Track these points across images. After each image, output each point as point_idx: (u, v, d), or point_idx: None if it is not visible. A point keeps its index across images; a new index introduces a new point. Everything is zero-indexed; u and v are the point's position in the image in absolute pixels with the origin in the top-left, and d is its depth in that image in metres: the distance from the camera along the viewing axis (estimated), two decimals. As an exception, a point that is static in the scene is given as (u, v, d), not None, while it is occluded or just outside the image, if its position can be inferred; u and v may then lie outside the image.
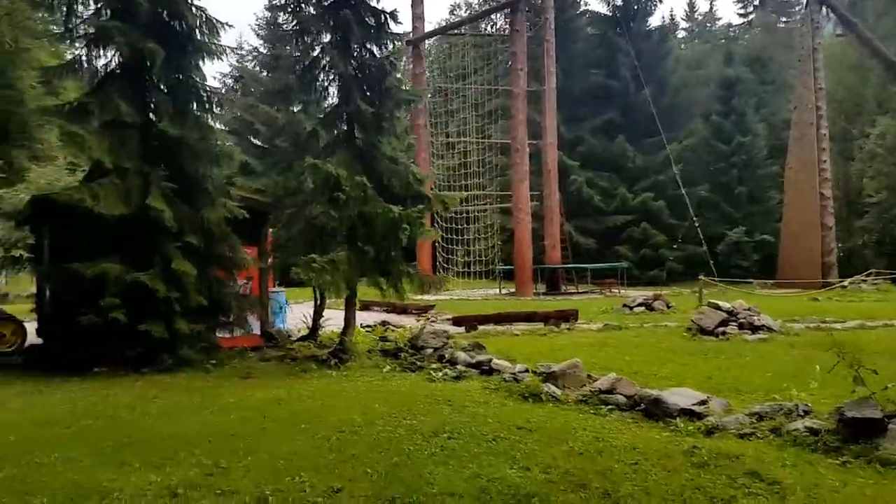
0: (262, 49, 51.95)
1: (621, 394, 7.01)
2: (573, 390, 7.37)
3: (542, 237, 31.66)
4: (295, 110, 11.29)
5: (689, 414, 6.20)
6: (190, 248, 10.13)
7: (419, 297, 21.69)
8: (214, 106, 10.78)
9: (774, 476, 4.64)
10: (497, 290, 31.28)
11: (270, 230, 12.97)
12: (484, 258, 34.43)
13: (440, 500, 4.35)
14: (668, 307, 18.27)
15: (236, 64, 51.25)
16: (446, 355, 9.44)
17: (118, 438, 5.92)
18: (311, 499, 4.41)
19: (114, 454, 5.47)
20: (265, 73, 50.90)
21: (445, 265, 35.49)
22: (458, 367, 8.89)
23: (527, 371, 7.95)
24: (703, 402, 6.43)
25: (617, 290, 29.56)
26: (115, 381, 8.95)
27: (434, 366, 9.10)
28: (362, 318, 14.92)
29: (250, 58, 52.74)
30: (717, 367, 9.36)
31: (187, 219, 10.09)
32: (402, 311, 19.11)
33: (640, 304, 18.16)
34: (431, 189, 11.29)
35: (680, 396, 6.55)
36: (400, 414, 6.56)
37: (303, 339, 12.12)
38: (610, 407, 6.80)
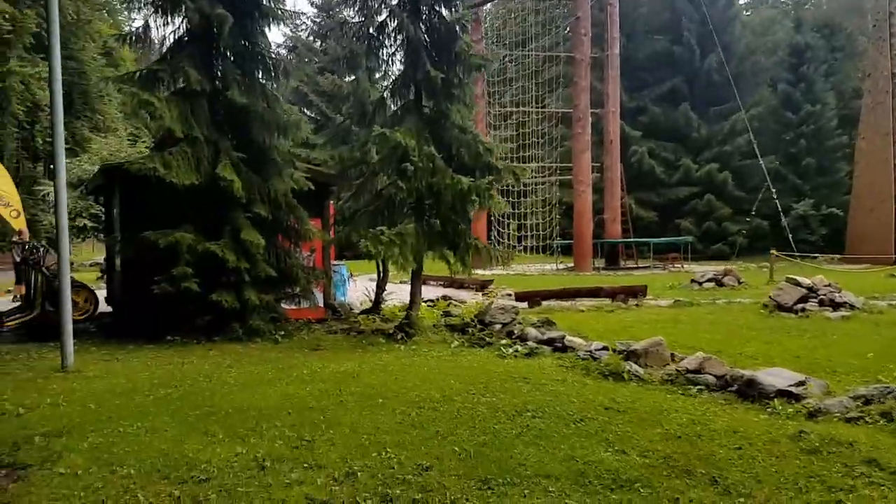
0: (315, 17, 51.92)
1: (710, 373, 6.67)
2: (656, 369, 7.06)
3: (602, 210, 30.96)
4: (358, 78, 11.00)
5: (786, 395, 5.84)
6: (258, 219, 10.11)
7: (475, 271, 21.50)
8: (280, 74, 10.65)
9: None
10: (554, 266, 30.82)
11: (332, 202, 12.92)
12: (539, 232, 33.90)
13: (535, 482, 4.15)
14: (739, 283, 17.61)
15: (290, 33, 51.38)
16: (516, 331, 9.21)
17: (200, 408, 5.90)
18: (400, 475, 4.26)
19: (197, 424, 5.45)
20: (319, 43, 50.87)
21: (500, 239, 35.13)
22: (529, 343, 8.66)
23: (605, 349, 7.66)
24: (801, 384, 6.05)
25: (680, 266, 28.76)
26: (189, 350, 9.04)
27: (504, 342, 8.88)
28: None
29: (304, 27, 52.82)
30: (803, 346, 8.89)
31: (255, 189, 10.05)
32: (460, 285, 18.93)
33: (709, 280, 17.54)
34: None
35: (775, 377, 6.18)
36: (477, 391, 6.38)
37: (365, 312, 12.06)
38: (699, 387, 6.48)
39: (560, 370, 7.36)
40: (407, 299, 12.63)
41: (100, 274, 24.14)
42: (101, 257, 36.65)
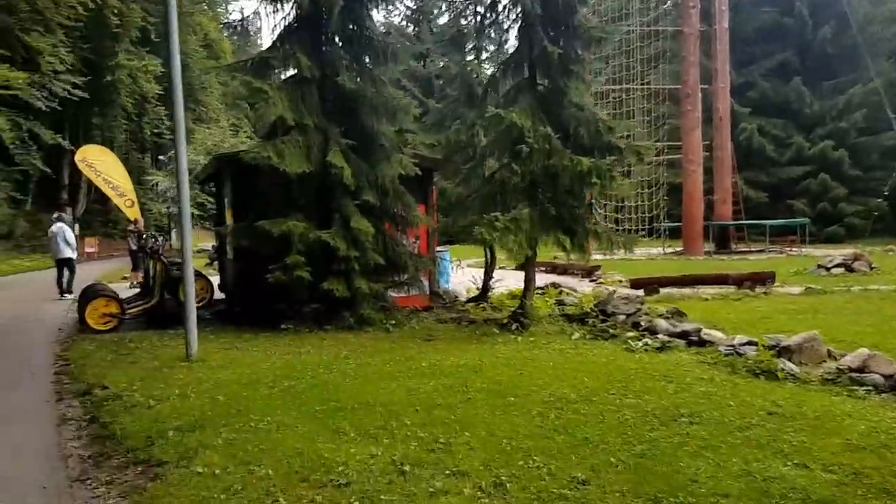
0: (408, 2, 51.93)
1: (877, 372, 5.93)
2: (813, 367, 6.35)
3: (711, 191, 29.38)
4: (465, 59, 10.63)
5: (982, 403, 5.07)
6: (366, 206, 9.93)
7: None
8: (388, 58, 10.39)
9: None
10: (661, 250, 29.55)
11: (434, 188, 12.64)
12: (639, 215, 32.58)
13: (713, 501, 3.65)
14: (871, 268, 16.18)
15: (382, 19, 51.69)
16: (642, 323, 8.62)
17: (326, 403, 5.71)
18: (555, 489, 3.86)
19: (327, 420, 5.24)
20: (411, 28, 50.89)
21: (596, 222, 33.94)
22: (660, 336, 8.06)
23: (750, 344, 6.98)
24: None
25: (798, 250, 26.94)
26: (303, 339, 8.97)
27: (630, 334, 8.31)
28: (516, 277, 14.30)
29: (396, 12, 52.97)
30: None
31: (364, 176, 9.86)
32: (563, 271, 18.30)
33: (837, 265, 16.20)
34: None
35: (964, 381, 5.40)
36: (616, 390, 5.89)
37: (473, 300, 11.72)
38: (866, 388, 5.76)
39: (702, 367, 6.74)
40: (514, 286, 12.27)
41: (208, 261, 25.00)
42: (204, 244, 38.26)
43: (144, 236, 12.24)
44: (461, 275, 14.32)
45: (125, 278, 19.15)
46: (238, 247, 11.48)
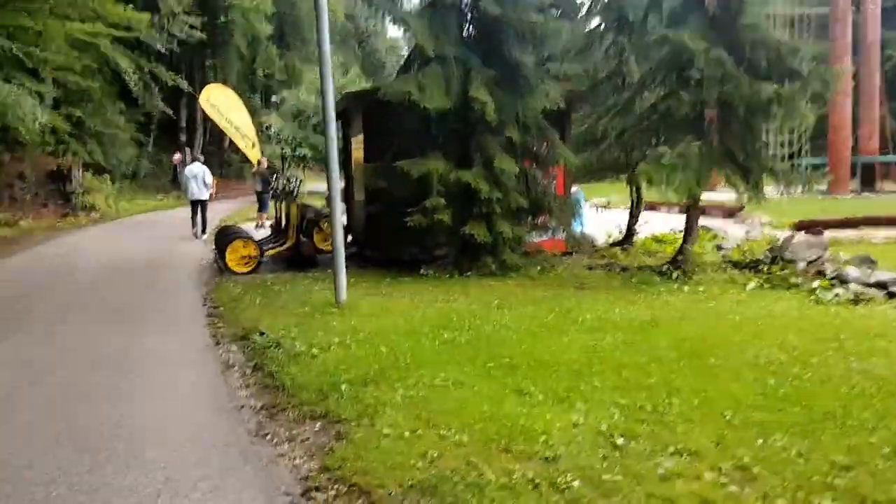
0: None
1: None
2: None
3: (856, 125, 26.66)
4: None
5: None
6: (509, 144, 9.29)
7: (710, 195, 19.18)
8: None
9: None
10: (800, 189, 27.13)
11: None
12: (781, 151, 30.00)
13: None
14: None
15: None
16: (828, 271, 7.65)
17: (495, 359, 5.24)
18: (815, 476, 3.22)
19: (505, 379, 4.78)
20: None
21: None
22: (851, 286, 7.10)
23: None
24: None
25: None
26: (446, 286, 8.57)
27: (817, 284, 7.38)
28: (653, 219, 13.34)
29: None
30: None
31: (508, 111, 9.16)
32: (703, 211, 17.05)
33: None
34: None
35: None
36: (831, 350, 5.12)
37: (618, 244, 10.96)
38: None
39: (921, 325, 5.83)
40: (656, 230, 11.40)
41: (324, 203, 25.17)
42: (316, 185, 38.81)
43: (277, 177, 12.12)
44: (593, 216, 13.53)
45: (250, 218, 19.54)
46: (369, 188, 11.19)
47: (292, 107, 34.36)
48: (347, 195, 13.79)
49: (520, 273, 9.07)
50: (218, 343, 6.51)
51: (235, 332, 6.72)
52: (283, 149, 33.70)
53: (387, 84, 9.05)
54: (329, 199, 7.43)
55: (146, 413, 4.56)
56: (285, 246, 10.86)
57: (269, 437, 4.19)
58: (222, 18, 34.61)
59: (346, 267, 10.65)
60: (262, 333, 6.37)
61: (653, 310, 6.81)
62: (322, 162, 34.18)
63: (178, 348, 6.36)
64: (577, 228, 12.28)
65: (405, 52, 72.81)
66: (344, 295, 7.36)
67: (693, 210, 8.98)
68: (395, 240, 10.42)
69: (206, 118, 40.21)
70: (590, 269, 9.37)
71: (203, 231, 16.09)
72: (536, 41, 9.20)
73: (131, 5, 23.15)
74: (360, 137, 11.76)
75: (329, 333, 6.21)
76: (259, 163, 18.23)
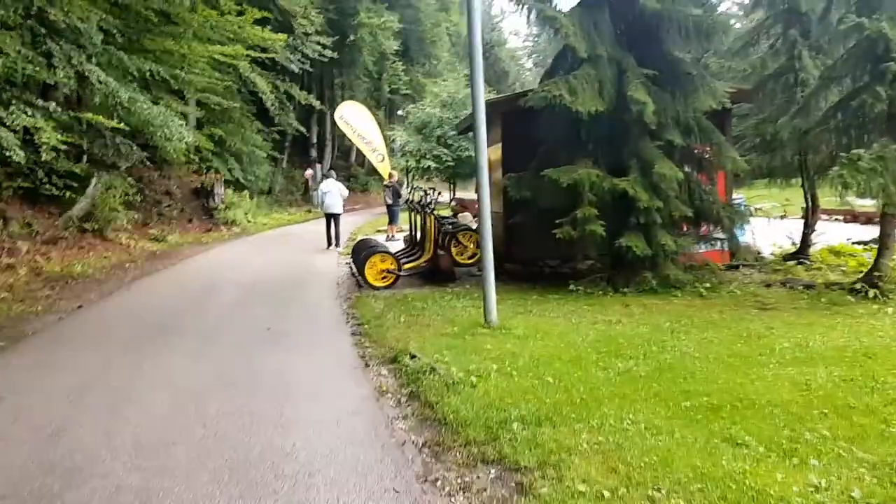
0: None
1: None
2: None
3: None
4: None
5: None
6: (668, 148, 8.46)
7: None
8: (695, -33, 8.67)
9: None
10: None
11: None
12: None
13: None
14: None
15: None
16: None
17: (690, 396, 4.51)
18: None
19: (710, 424, 4.04)
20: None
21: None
22: None
23: None
24: None
25: None
26: (602, 304, 7.85)
27: None
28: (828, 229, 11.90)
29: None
30: None
31: (668, 112, 8.34)
32: (867, 220, 15.28)
33: None
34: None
35: None
36: None
37: (791, 257, 9.77)
38: None
39: None
40: (830, 240, 10.10)
41: (451, 213, 24.98)
42: (444, 197, 38.85)
43: (412, 189, 11.87)
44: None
45: (380, 231, 19.60)
46: (508, 199, 10.67)
47: (417, 119, 34.71)
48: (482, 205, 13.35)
49: (685, 290, 8.19)
50: (367, 365, 6.14)
51: (384, 354, 6.34)
52: (407, 161, 34.03)
53: (536, 89, 8.47)
54: (478, 211, 6.93)
55: (310, 446, 4.20)
56: (422, 260, 10.52)
57: (439, 483, 3.69)
58: (351, 37, 35.49)
59: (477, 280, 10.24)
60: (413, 356, 5.93)
61: (859, 337, 5.79)
62: (445, 173, 34.37)
63: (330, 370, 6.04)
64: (740, 238, 11.23)
65: (526, 62, 72.11)
66: (494, 314, 6.82)
67: (889, 219, 7.74)
68: (536, 253, 9.87)
69: (335, 134, 41.76)
70: (767, 286, 8.31)
71: (337, 243, 16.37)
72: (702, 36, 8.30)
73: (269, 27, 24.12)
74: (498, 147, 11.28)
75: (485, 358, 5.69)
76: (390, 175, 18.20)
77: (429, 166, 33.23)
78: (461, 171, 34.11)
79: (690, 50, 8.68)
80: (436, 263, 10.21)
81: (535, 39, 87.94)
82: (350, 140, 44.55)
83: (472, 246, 10.66)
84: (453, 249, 10.55)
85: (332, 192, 16.53)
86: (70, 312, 8.79)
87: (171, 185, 22.30)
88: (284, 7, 28.11)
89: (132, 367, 6.12)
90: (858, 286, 7.48)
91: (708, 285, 8.20)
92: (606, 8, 8.51)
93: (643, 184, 8.15)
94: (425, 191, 10.95)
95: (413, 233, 11.84)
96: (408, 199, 11.81)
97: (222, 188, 23.25)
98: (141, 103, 16.95)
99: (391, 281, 10.09)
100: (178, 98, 22.06)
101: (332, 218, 16.51)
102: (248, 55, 22.69)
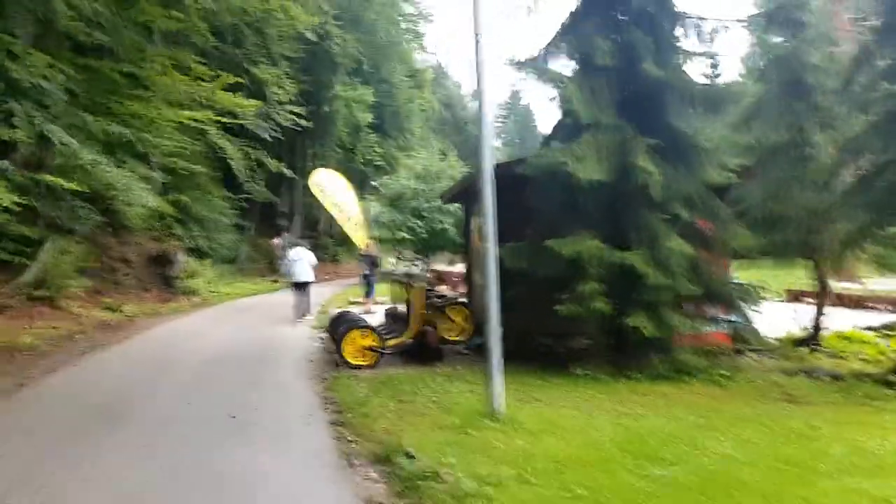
0: None
1: None
2: None
3: None
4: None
5: None
6: (673, 222, 7.91)
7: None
8: (702, 36, 8.29)
9: None
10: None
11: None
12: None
13: None
14: None
15: None
16: None
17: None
18: None
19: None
20: None
21: None
22: None
23: None
24: None
25: None
26: (612, 390, 7.07)
27: None
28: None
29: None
30: None
31: (672, 184, 7.82)
32: (857, 304, 14.84)
33: None
34: None
35: None
36: None
37: (803, 343, 9.15)
38: None
39: None
40: (833, 325, 9.55)
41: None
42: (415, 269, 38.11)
43: (397, 262, 11.13)
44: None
45: (354, 302, 18.65)
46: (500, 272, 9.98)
47: (391, 191, 34.29)
48: (468, 279, 12.65)
49: (700, 377, 7.46)
50: (351, 465, 5.20)
51: (372, 451, 5.41)
52: (381, 232, 33.32)
53: (538, 154, 7.87)
54: (485, 284, 6.17)
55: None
56: (407, 336, 9.66)
57: None
58: (326, 108, 35.32)
59: (478, 360, 9.40)
60: (409, 455, 5.03)
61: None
62: (419, 244, 33.71)
63: (307, 471, 5.10)
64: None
65: (504, 136, 72.60)
66: (501, 403, 5.97)
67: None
68: (529, 329, 9.09)
69: (304, 203, 41.07)
70: (789, 375, 7.62)
71: (307, 313, 15.74)
72: (709, 106, 7.89)
73: (241, 93, 23.68)
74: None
75: (496, 460, 4.82)
76: (366, 245, 17.49)
77: (403, 238, 32.62)
78: (435, 243, 33.60)
79: (694, 121, 8.23)
80: (423, 340, 9.35)
81: (504, 121, 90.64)
82: (320, 209, 44.33)
83: (461, 321, 9.84)
84: (441, 325, 9.70)
85: (302, 260, 16.01)
86: (7, 393, 7.67)
87: (129, 251, 21.16)
88: (258, 75, 27.85)
89: (68, 465, 5.09)
90: (894, 378, 6.84)
91: (724, 372, 7.49)
92: (607, 74, 8.07)
93: (649, 258, 7.53)
94: (412, 261, 10.19)
95: (396, 306, 11.01)
96: (388, 270, 11.03)
97: (183, 256, 22.16)
98: (104, 166, 16.12)
99: (373, 360, 9.18)
100: (143, 162, 21.26)
101: (301, 287, 15.88)
102: (218, 120, 22.12)
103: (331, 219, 44.64)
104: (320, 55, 33.69)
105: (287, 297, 16.39)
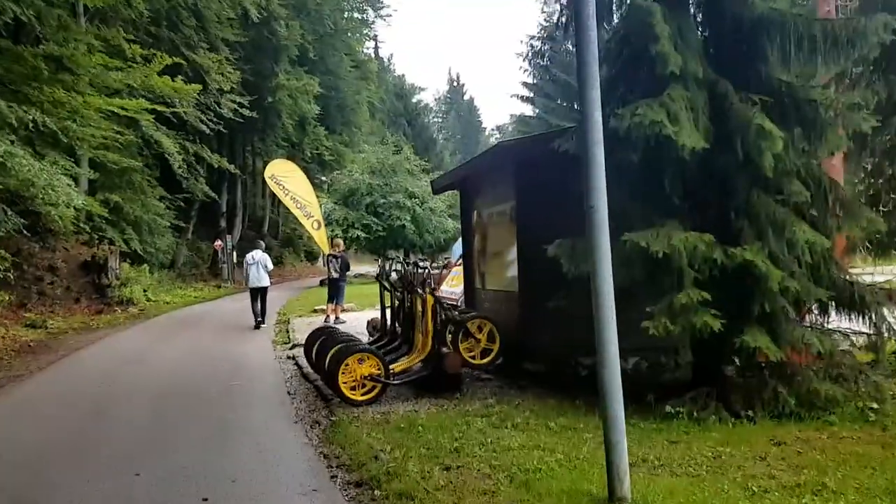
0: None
1: None
2: None
3: None
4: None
5: None
6: (792, 206, 6.03)
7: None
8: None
9: None
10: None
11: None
12: None
13: None
14: None
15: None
16: None
17: None
18: None
19: None
20: None
21: None
22: None
23: None
24: None
25: None
26: (738, 441, 5.06)
27: None
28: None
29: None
30: None
31: (784, 156, 5.89)
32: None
33: None
34: None
35: None
36: None
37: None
38: None
39: None
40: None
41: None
42: (365, 269, 35.75)
43: (390, 260, 9.00)
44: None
45: (317, 311, 16.32)
46: (528, 275, 7.95)
47: (344, 186, 31.94)
48: (468, 284, 10.58)
49: (836, 412, 5.58)
50: None
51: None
52: (332, 231, 30.94)
53: (619, 115, 5.78)
54: (594, 287, 4.06)
55: None
56: (415, 358, 7.51)
57: None
58: (269, 99, 32.57)
59: (506, 387, 7.37)
60: None
61: None
62: (375, 244, 31.34)
63: None
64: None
65: (443, 132, 70.39)
66: (627, 484, 3.88)
67: None
68: (565, 347, 7.19)
69: (246, 203, 38.21)
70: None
71: (263, 320, 14.55)
72: (830, 50, 5.98)
73: (179, 78, 20.98)
74: (506, 207, 8.63)
75: None
76: (335, 244, 15.29)
77: (357, 236, 30.29)
78: (393, 240, 31.36)
79: (825, 69, 6.30)
80: (439, 365, 7.22)
81: (444, 116, 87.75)
82: (264, 209, 41.48)
83: (485, 340, 7.72)
84: (462, 345, 7.56)
85: (259, 263, 14.46)
86: None
87: (55, 258, 18.30)
88: (197, 61, 25.08)
89: None
90: None
91: (871, 404, 5.62)
92: (695, 8, 6.14)
93: (771, 255, 5.61)
94: (416, 263, 8.04)
95: (389, 318, 8.82)
96: (383, 274, 8.88)
97: (117, 262, 19.37)
98: (20, 159, 13.38)
99: (376, 392, 7.04)
100: (67, 157, 18.39)
101: (258, 292, 14.54)
102: (153, 109, 19.41)
103: (277, 219, 42.09)
104: (262, 41, 31.07)
105: (235, 304, 14.85)
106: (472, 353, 7.68)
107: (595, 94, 3.90)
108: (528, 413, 6.09)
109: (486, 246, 9.69)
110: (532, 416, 5.93)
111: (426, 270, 7.84)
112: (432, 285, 7.74)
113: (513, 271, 8.37)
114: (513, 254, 8.38)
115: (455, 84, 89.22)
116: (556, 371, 7.70)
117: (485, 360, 7.72)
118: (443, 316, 7.52)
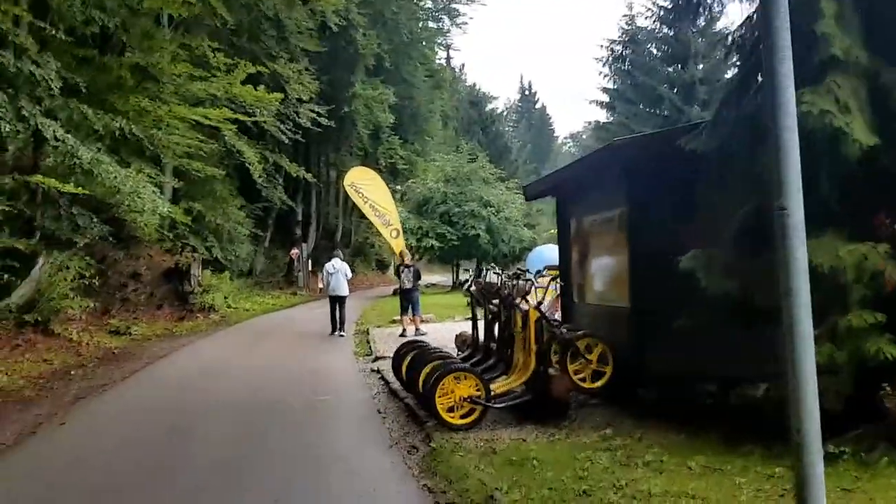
0: None
1: None
2: None
3: None
4: None
5: None
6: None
7: None
8: None
9: None
10: None
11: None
12: None
13: None
14: None
15: None
16: None
17: None
18: None
19: None
20: None
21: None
22: None
23: None
24: None
25: None
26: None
27: None
28: None
29: None
30: None
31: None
32: None
33: None
34: None
35: None
36: None
37: None
38: None
39: None
40: None
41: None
42: (436, 278, 35.22)
43: (481, 269, 8.37)
44: None
45: (395, 321, 15.82)
46: (640, 288, 7.14)
47: (418, 195, 31.62)
48: (565, 297, 9.82)
49: None
50: None
51: None
52: (407, 240, 30.57)
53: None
54: (784, 312, 3.26)
55: None
56: (517, 380, 6.82)
57: None
58: (345, 108, 32.60)
59: (622, 416, 6.58)
60: None
61: None
62: (449, 253, 30.83)
63: None
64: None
65: (506, 135, 69.94)
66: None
67: None
68: (683, 369, 6.38)
69: (321, 212, 38.33)
70: None
71: (342, 328, 14.57)
72: None
73: (260, 87, 21.06)
74: (614, 214, 7.85)
75: None
76: (401, 255, 14.96)
77: (431, 245, 29.84)
78: (466, 250, 30.77)
79: None
80: (545, 388, 6.51)
81: (516, 124, 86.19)
82: (338, 218, 41.60)
83: (595, 361, 6.96)
84: (571, 367, 6.82)
85: (339, 272, 14.55)
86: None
87: (139, 265, 18.49)
88: (278, 71, 25.19)
89: None
90: None
91: None
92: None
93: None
94: (518, 274, 7.36)
95: (481, 334, 8.18)
96: (470, 285, 8.25)
97: (199, 269, 19.46)
98: (106, 166, 13.47)
99: (476, 416, 6.39)
100: (153, 164, 18.63)
101: (337, 301, 14.54)
102: (234, 119, 19.47)
103: (350, 228, 42.14)
104: (339, 52, 31.11)
105: (313, 313, 14.75)
106: (581, 376, 6.93)
107: (786, 68, 3.12)
108: (656, 448, 5.31)
109: (587, 256, 8.92)
110: (664, 453, 5.15)
111: (529, 282, 7.16)
112: (540, 299, 7.02)
113: (620, 285, 7.58)
114: (620, 265, 7.60)
115: (527, 92, 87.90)
116: (674, 398, 6.89)
117: (596, 385, 6.95)
118: (548, 333, 6.81)
